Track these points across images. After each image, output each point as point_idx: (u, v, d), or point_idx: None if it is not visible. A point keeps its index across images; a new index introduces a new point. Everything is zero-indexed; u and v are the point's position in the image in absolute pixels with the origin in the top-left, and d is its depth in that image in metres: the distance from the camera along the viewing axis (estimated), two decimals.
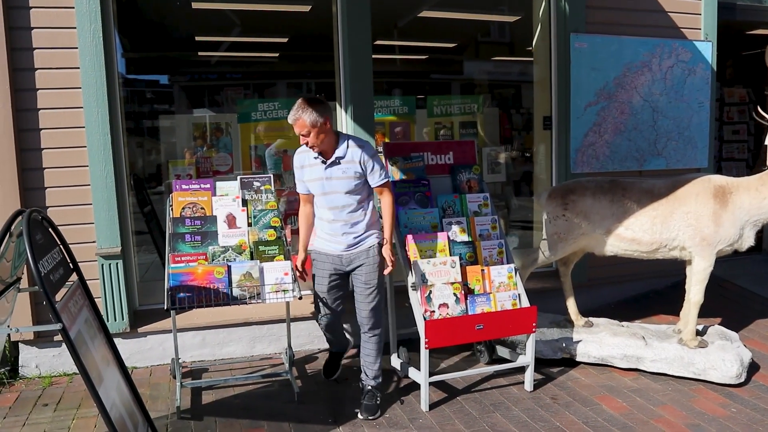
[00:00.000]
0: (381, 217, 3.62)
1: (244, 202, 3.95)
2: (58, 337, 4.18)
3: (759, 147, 8.09)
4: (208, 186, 3.95)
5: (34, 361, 4.24)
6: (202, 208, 3.86)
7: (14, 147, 4.00)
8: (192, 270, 3.52)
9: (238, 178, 4.04)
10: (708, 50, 5.55)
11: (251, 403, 3.80)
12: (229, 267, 3.62)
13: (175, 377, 3.89)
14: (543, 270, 5.22)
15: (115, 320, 4.23)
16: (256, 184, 4.05)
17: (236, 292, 3.59)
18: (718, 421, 3.49)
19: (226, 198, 3.94)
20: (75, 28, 4.05)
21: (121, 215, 4.25)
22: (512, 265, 3.96)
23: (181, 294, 3.47)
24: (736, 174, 5.07)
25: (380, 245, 3.56)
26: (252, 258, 3.72)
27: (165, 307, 3.46)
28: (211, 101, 6.43)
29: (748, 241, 4.02)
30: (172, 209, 3.88)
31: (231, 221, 3.78)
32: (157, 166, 5.90)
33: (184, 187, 3.94)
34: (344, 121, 4.77)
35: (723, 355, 3.93)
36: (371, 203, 3.60)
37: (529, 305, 3.87)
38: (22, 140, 4.05)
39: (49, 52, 4.06)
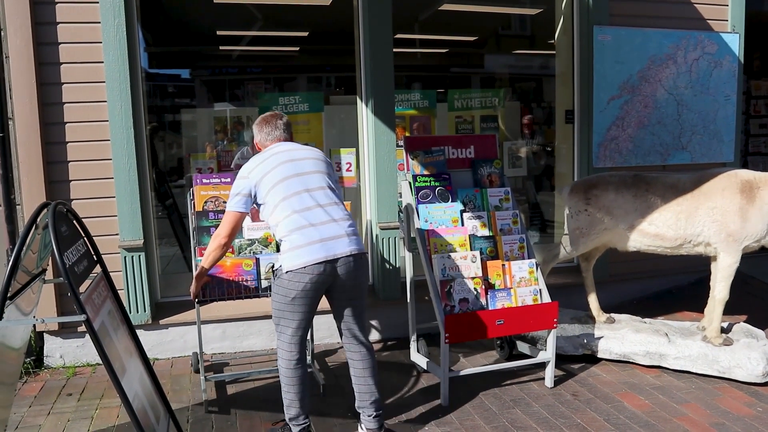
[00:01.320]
0: (283, 239, 3.04)
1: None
2: (82, 328, 4.24)
3: None
4: (228, 180, 3.95)
5: (58, 351, 4.30)
6: (224, 202, 3.87)
7: (40, 140, 4.06)
8: (221, 263, 3.55)
9: None
10: (735, 42, 5.45)
11: (271, 395, 3.81)
12: (257, 259, 3.67)
13: (197, 371, 3.93)
14: (564, 265, 5.17)
15: (137, 312, 4.27)
16: None
17: (264, 283, 3.68)
18: (743, 420, 3.44)
19: None
20: (99, 22, 4.09)
21: (144, 208, 4.29)
22: (533, 260, 3.93)
23: (210, 286, 3.55)
24: (762, 169, 4.97)
25: (278, 271, 3.04)
26: (278, 250, 3.71)
27: (197, 301, 3.48)
28: (232, 95, 6.46)
29: None
30: (194, 203, 3.90)
31: (254, 214, 3.74)
32: (178, 159, 5.95)
33: (204, 180, 3.96)
34: (365, 115, 4.77)
35: (749, 354, 3.86)
36: (277, 225, 3.06)
37: (550, 301, 3.83)
38: (48, 133, 4.11)
39: (74, 46, 4.11)
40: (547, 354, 3.88)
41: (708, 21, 5.39)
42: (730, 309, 4.13)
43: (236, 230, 3.17)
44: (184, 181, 5.71)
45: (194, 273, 3.51)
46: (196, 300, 3.51)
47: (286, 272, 2.96)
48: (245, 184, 3.10)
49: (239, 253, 3.73)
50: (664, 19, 5.24)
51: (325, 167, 3.21)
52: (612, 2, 5.10)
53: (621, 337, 4.20)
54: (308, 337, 3.90)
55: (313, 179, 3.11)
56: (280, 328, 3.08)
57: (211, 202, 3.87)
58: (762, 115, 7.89)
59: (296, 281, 2.94)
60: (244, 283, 3.64)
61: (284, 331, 3.06)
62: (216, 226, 3.70)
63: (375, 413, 3.19)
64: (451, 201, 4.01)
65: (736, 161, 5.59)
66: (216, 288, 3.58)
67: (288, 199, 3.03)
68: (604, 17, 5.08)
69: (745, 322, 4.48)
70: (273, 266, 3.12)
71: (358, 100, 4.83)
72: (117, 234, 4.24)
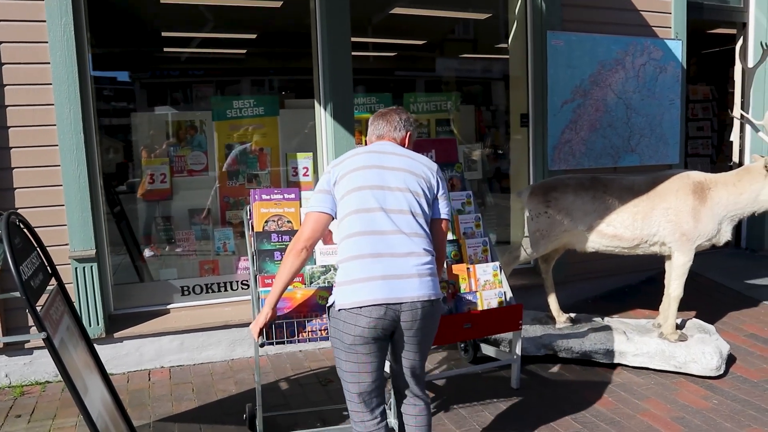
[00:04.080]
0: (340, 265, 2.52)
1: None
2: (29, 345, 4.04)
3: (722, 143, 8.34)
4: (293, 196, 3.40)
5: (3, 370, 4.05)
6: (289, 222, 3.36)
7: None
8: (290, 295, 2.94)
9: None
10: (678, 48, 5.66)
11: (236, 408, 3.71)
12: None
13: (253, 428, 3.28)
14: (522, 267, 5.23)
15: (90, 325, 4.07)
16: None
17: None
18: (701, 413, 3.56)
19: None
20: (45, 21, 3.88)
21: (95, 217, 4.10)
22: (497, 263, 3.96)
23: (278, 322, 2.88)
24: (700, 169, 5.20)
25: (332, 307, 2.50)
26: None
27: (260, 343, 2.83)
28: (184, 98, 6.28)
29: (726, 235, 4.11)
30: (252, 222, 3.35)
31: (327, 237, 3.23)
32: (126, 165, 5.73)
33: (264, 197, 3.37)
34: (323, 119, 4.71)
35: (703, 348, 4.00)
36: (339, 245, 2.55)
37: (514, 303, 3.87)
38: None
39: (17, 46, 3.88)
40: (513, 355, 3.91)
41: (653, 28, 5.58)
42: (681, 305, 4.27)
43: (317, 235, 2.54)
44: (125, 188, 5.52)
45: (255, 307, 2.95)
46: (260, 343, 2.81)
47: (339, 310, 2.41)
48: (326, 180, 2.58)
49: (310, 282, 3.13)
50: (613, 25, 5.40)
51: (418, 185, 2.57)
52: (564, 8, 5.22)
53: (581, 336, 4.28)
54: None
55: (396, 198, 2.51)
56: (343, 381, 2.52)
57: (273, 221, 3.31)
58: (699, 118, 8.27)
59: (351, 323, 2.38)
60: (320, 321, 2.95)
61: (347, 386, 2.50)
62: (279, 250, 3.22)
63: None
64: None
65: (680, 163, 5.80)
66: (284, 327, 2.90)
67: (358, 215, 2.46)
68: (557, 22, 5.18)
69: (695, 317, 4.65)
70: (327, 300, 2.58)
71: (316, 104, 4.77)
72: (67, 244, 4.03)
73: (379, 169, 2.54)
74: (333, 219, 2.57)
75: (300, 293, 3.01)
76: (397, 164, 2.58)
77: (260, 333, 2.71)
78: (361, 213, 2.46)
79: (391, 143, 2.70)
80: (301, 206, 3.44)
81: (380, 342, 2.44)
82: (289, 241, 3.08)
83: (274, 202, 3.36)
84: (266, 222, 3.34)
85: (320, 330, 2.96)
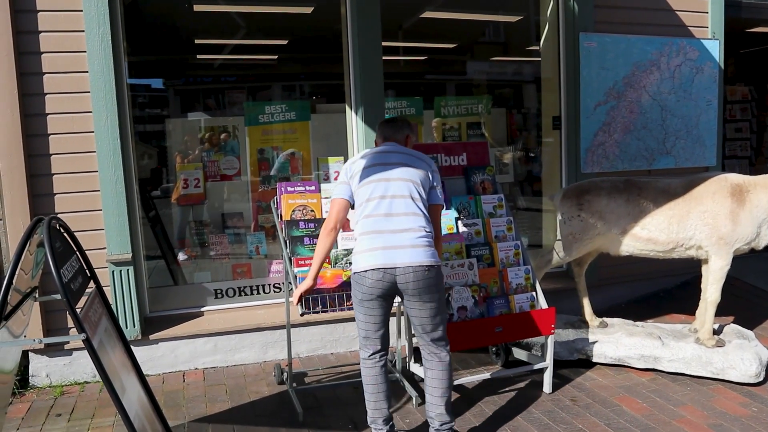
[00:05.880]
0: (356, 240, 3.19)
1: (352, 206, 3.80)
2: (69, 346, 4.14)
3: (761, 144, 8.13)
4: (314, 188, 3.88)
5: (44, 370, 4.17)
6: (312, 210, 3.82)
7: (23, 153, 3.94)
8: (321, 273, 3.46)
9: None
10: (715, 48, 5.55)
11: (268, 410, 3.75)
12: None
13: (281, 382, 4.08)
14: (554, 270, 5.18)
15: (127, 328, 4.16)
16: None
17: None
18: (740, 420, 3.47)
19: None
20: (83, 31, 3.99)
21: (132, 221, 4.19)
22: (529, 266, 3.93)
23: (314, 296, 3.47)
24: (739, 172, 5.07)
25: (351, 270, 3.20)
26: None
27: (300, 312, 3.42)
28: (217, 104, 6.38)
29: (766, 239, 4.01)
30: (280, 212, 3.80)
31: (345, 224, 3.56)
32: (160, 171, 5.84)
33: (290, 189, 3.85)
34: (354, 123, 4.73)
35: (742, 354, 3.91)
36: (356, 225, 3.22)
37: (546, 307, 3.83)
38: (31, 146, 3.99)
39: (57, 56, 4.00)
40: (545, 360, 3.88)
41: (689, 28, 5.48)
42: (717, 310, 4.18)
43: (342, 216, 3.20)
44: (160, 193, 5.61)
45: (293, 283, 3.54)
46: (300, 312, 3.42)
47: (353, 273, 3.10)
48: (344, 173, 3.26)
49: (335, 263, 3.62)
50: (648, 26, 5.32)
51: (416, 176, 3.16)
52: (597, 9, 5.16)
53: (615, 341, 4.22)
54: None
55: (397, 186, 3.11)
56: (357, 328, 3.20)
57: (299, 210, 3.79)
58: (737, 119, 8.08)
59: (359, 283, 3.05)
60: (346, 292, 3.52)
61: (359, 331, 3.18)
62: (310, 236, 3.74)
63: (438, 428, 3.19)
64: (446, 209, 3.99)
65: (717, 165, 5.68)
66: (318, 299, 3.49)
67: (369, 202, 3.11)
68: (590, 24, 5.13)
69: (733, 323, 4.54)
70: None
71: (347, 108, 4.80)
72: (104, 248, 4.12)
73: (384, 164, 3.18)
74: (351, 205, 3.22)
75: (330, 272, 3.57)
76: (399, 159, 3.21)
77: (299, 301, 3.35)
78: (371, 200, 3.11)
79: (394, 144, 3.33)
80: (322, 197, 3.89)
81: (383, 300, 3.07)
82: (314, 227, 3.75)
83: (299, 194, 3.86)
84: (293, 211, 3.81)
85: (346, 302, 3.53)
